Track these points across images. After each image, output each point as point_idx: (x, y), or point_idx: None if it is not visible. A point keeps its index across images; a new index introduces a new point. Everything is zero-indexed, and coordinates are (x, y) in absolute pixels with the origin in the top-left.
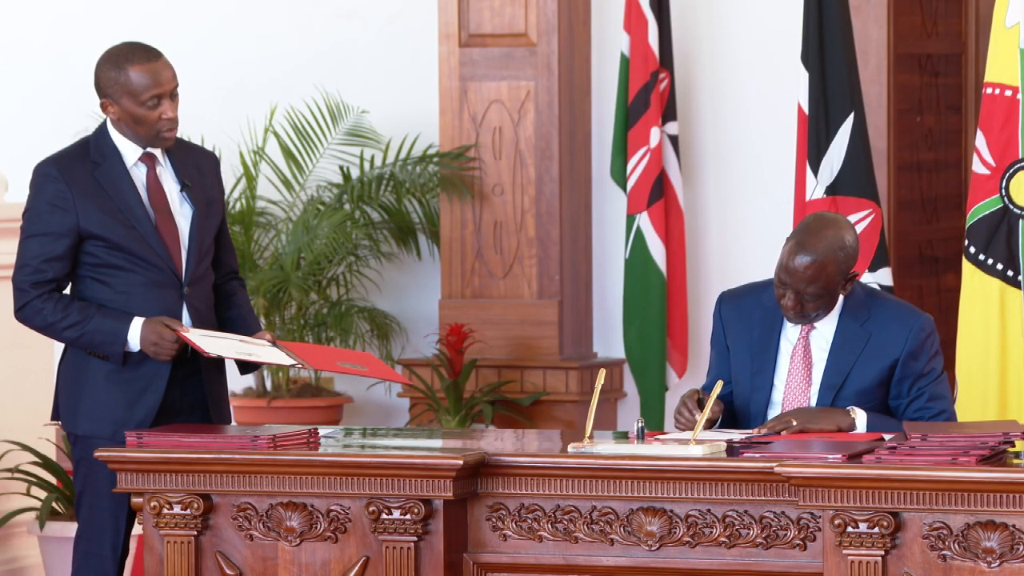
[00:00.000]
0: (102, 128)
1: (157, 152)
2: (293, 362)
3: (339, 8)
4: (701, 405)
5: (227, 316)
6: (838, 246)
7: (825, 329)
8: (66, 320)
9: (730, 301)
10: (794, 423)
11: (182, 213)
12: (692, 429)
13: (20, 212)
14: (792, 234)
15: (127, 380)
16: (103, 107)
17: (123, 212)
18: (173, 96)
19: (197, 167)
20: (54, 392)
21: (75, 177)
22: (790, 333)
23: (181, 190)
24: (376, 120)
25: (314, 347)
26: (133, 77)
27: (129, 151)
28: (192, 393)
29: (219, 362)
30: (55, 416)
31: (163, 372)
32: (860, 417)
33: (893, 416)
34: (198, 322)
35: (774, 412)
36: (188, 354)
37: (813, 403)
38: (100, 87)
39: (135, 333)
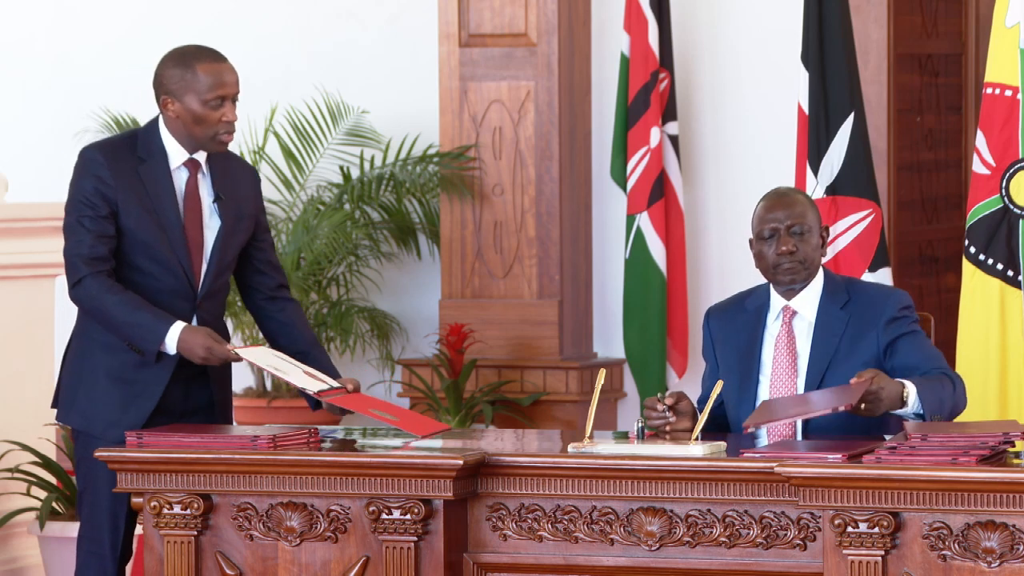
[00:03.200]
0: (152, 125)
1: (201, 159)
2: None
3: (339, 8)
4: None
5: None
6: (804, 193)
7: (807, 314)
8: (116, 303)
9: (716, 315)
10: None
11: (210, 225)
12: (666, 420)
13: (20, 212)
14: (761, 198)
15: (127, 381)
16: (163, 104)
17: (157, 213)
18: (235, 100)
19: (234, 180)
20: (56, 381)
21: (119, 168)
22: (772, 327)
23: (213, 201)
24: (376, 120)
25: (363, 397)
26: (201, 75)
27: (175, 153)
28: (197, 395)
29: (227, 365)
30: (54, 405)
31: (162, 378)
32: (910, 390)
33: None
34: None
35: None
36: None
37: (800, 390)
38: (162, 84)
39: (174, 335)
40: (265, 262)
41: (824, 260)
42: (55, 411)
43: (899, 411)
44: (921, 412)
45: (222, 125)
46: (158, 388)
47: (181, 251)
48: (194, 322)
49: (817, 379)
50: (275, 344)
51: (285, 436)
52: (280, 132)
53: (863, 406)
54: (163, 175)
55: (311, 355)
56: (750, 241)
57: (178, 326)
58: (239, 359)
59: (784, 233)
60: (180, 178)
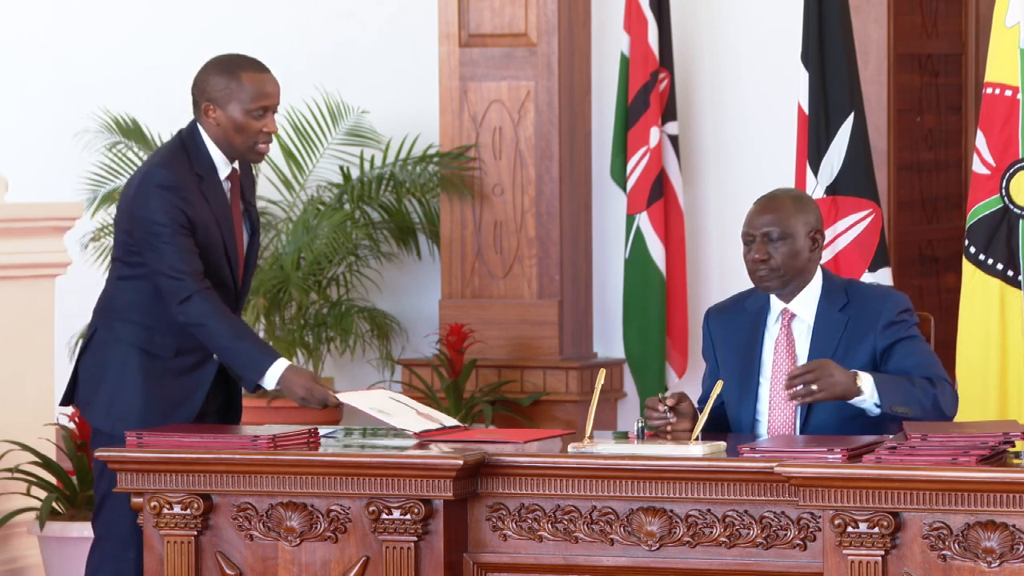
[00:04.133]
0: (196, 137)
1: (235, 168)
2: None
3: (339, 8)
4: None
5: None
6: (796, 195)
7: (805, 316)
8: (224, 328)
9: (716, 315)
10: (814, 388)
11: (244, 235)
12: (666, 421)
13: (20, 212)
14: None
15: (167, 388)
16: (204, 111)
17: (220, 232)
18: (275, 112)
19: (250, 183)
20: (73, 379)
21: (188, 187)
22: (772, 329)
23: (244, 211)
24: (376, 120)
25: (469, 431)
26: (246, 84)
27: (222, 166)
28: (215, 397)
29: None
30: (68, 401)
31: (204, 385)
32: (865, 380)
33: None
34: None
35: (763, 409)
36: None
37: None
38: (205, 91)
39: (276, 372)
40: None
41: (821, 262)
42: (64, 407)
43: (859, 401)
44: (879, 403)
45: (262, 135)
46: (200, 395)
47: (234, 265)
48: None
49: None
50: None
51: (285, 436)
52: (280, 132)
53: (813, 387)
54: (220, 190)
55: None
56: None
57: (282, 363)
58: (337, 404)
59: (759, 240)
60: (227, 191)
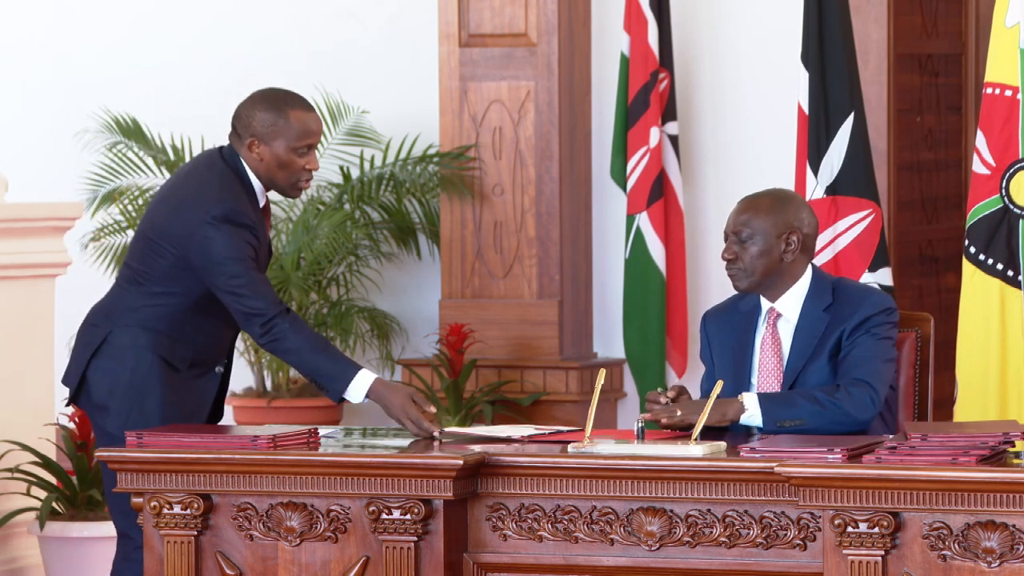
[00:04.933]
0: (241, 168)
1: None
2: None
3: (339, 8)
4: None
5: None
6: (779, 196)
7: (790, 315)
8: (311, 345)
9: (712, 318)
10: (679, 413)
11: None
12: (668, 410)
13: (20, 212)
14: None
15: (181, 395)
16: (249, 146)
17: (267, 255)
18: (316, 148)
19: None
20: (83, 380)
21: (252, 218)
22: (761, 329)
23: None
24: (376, 120)
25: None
26: (293, 123)
27: (260, 195)
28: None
29: (230, 365)
30: (74, 401)
31: (210, 395)
32: (749, 399)
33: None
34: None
35: None
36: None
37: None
38: (251, 126)
39: (363, 385)
40: None
41: (817, 262)
42: (65, 408)
43: (746, 418)
44: (763, 422)
45: (304, 173)
46: (207, 405)
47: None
48: (232, 346)
49: (792, 377)
50: None
51: (285, 436)
52: None
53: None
54: (262, 218)
55: None
56: None
57: (368, 376)
58: (431, 435)
59: (731, 239)
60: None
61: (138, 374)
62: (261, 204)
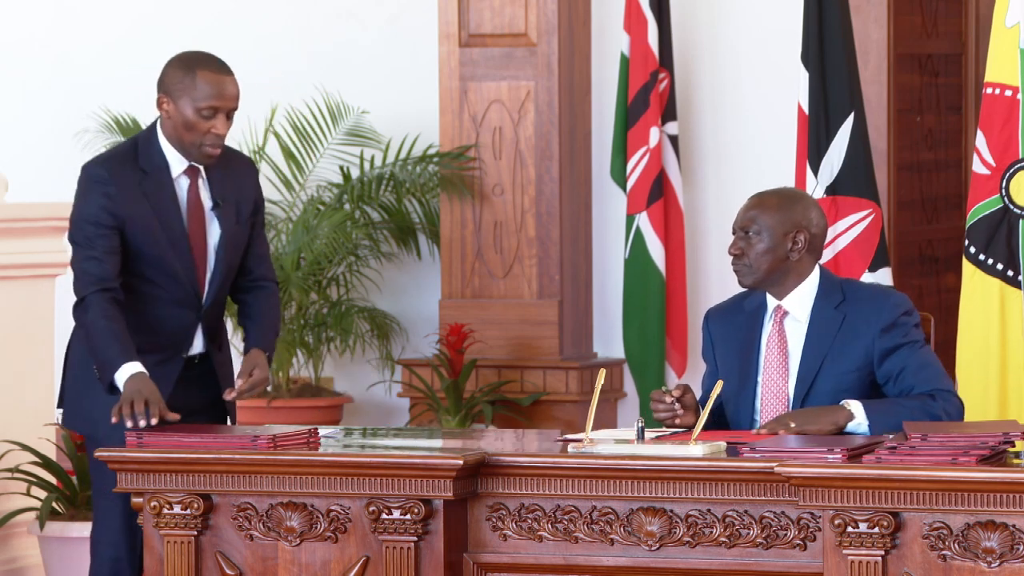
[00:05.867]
0: (152, 133)
1: (200, 165)
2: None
3: (339, 8)
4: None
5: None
6: (788, 194)
7: (798, 314)
8: (100, 328)
9: (715, 316)
10: (792, 425)
11: (211, 233)
12: (673, 413)
13: (20, 212)
14: None
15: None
16: (158, 103)
17: (163, 226)
18: (229, 115)
19: (234, 180)
20: (60, 385)
21: (124, 182)
22: (767, 327)
23: (212, 209)
24: (376, 120)
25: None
26: (200, 83)
27: (176, 162)
28: (200, 395)
29: (229, 363)
30: (60, 405)
31: (168, 380)
32: (856, 407)
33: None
34: (208, 342)
35: (760, 407)
36: (196, 360)
37: (791, 391)
38: (162, 83)
39: (124, 375)
40: (251, 254)
41: (820, 261)
42: (59, 412)
43: (854, 426)
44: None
45: (209, 136)
46: (164, 391)
47: (187, 262)
48: (198, 330)
49: (809, 380)
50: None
51: (285, 436)
52: (280, 132)
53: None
54: (166, 186)
55: (248, 355)
56: None
57: (132, 368)
58: (138, 424)
59: (738, 235)
60: (181, 187)
61: (78, 369)
62: (175, 174)
